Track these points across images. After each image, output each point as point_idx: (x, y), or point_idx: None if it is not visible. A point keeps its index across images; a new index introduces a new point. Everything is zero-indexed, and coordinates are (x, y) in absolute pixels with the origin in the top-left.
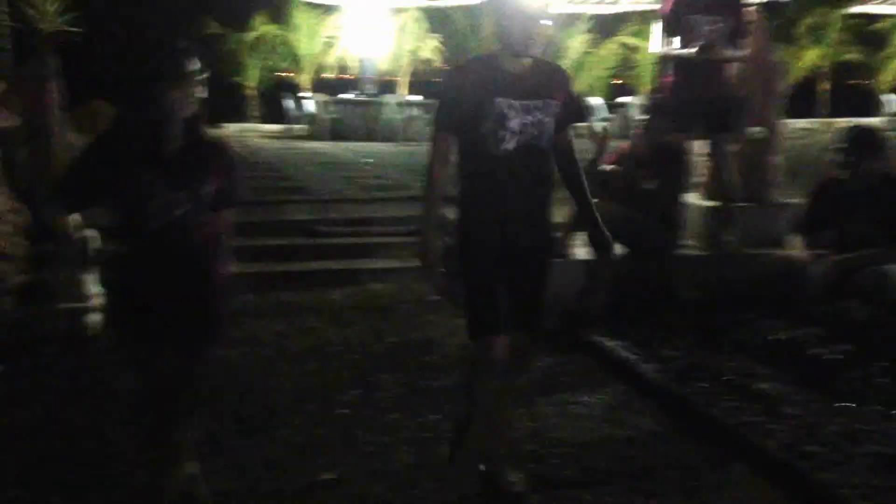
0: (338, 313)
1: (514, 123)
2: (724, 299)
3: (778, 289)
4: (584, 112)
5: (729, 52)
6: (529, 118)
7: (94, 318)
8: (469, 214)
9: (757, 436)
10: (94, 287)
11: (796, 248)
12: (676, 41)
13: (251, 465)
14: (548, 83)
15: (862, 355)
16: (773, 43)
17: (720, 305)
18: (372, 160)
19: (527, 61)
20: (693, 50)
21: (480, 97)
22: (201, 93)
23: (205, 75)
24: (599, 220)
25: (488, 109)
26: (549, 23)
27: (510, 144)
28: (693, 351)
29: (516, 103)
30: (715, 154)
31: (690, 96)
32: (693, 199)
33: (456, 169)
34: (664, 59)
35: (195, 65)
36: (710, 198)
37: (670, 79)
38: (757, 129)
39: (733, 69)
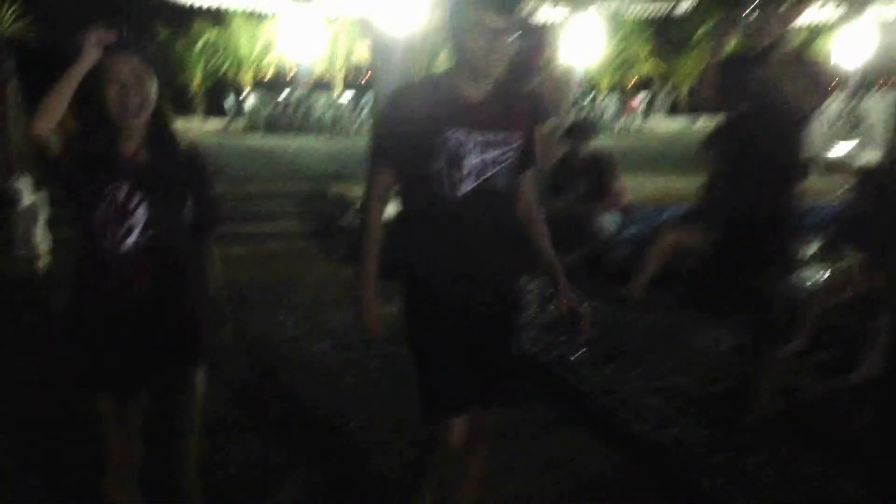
0: (238, 262)
1: (472, 161)
2: None
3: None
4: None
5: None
6: (490, 155)
7: (42, 263)
8: (418, 272)
9: None
10: (42, 239)
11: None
12: None
13: None
14: (511, 113)
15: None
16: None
17: None
18: (292, 150)
19: (488, 85)
20: None
21: (430, 128)
22: (153, 95)
23: (154, 77)
24: (565, 281)
25: (440, 143)
26: (517, 38)
27: (466, 187)
28: None
29: (474, 137)
30: None
31: None
32: None
33: (400, 215)
34: None
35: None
36: None
37: None
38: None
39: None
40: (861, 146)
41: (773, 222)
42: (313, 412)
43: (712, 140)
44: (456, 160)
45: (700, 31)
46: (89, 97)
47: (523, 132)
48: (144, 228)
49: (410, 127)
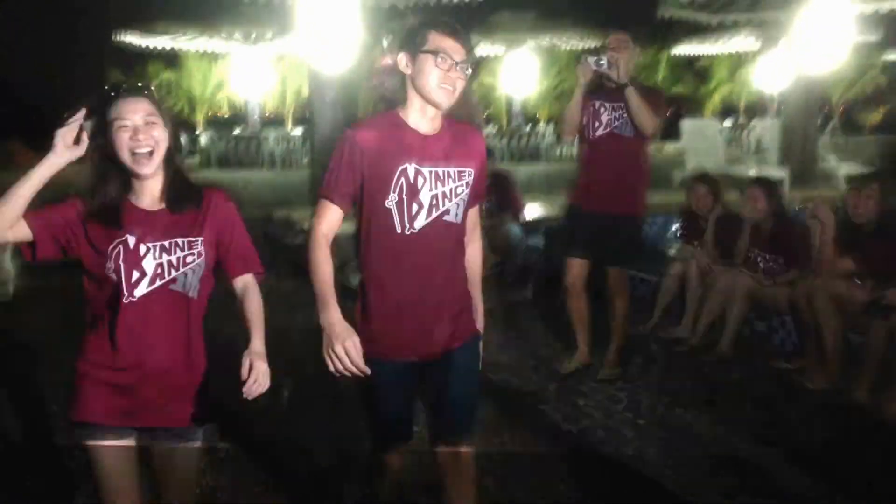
0: None
1: (426, 196)
2: None
3: None
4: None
5: None
6: (443, 189)
7: (8, 288)
8: (371, 308)
9: None
10: (9, 265)
11: None
12: None
13: None
14: (463, 147)
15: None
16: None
17: None
18: (243, 182)
19: (439, 120)
20: None
21: (384, 162)
22: (165, 139)
23: (165, 115)
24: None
25: (393, 178)
26: (469, 70)
27: (420, 221)
28: None
29: (427, 170)
30: None
31: None
32: None
33: (355, 250)
34: None
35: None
36: None
37: None
38: None
39: None
40: (757, 164)
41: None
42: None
43: None
44: (411, 194)
45: None
46: (99, 148)
47: (476, 165)
48: (153, 279)
49: (364, 161)
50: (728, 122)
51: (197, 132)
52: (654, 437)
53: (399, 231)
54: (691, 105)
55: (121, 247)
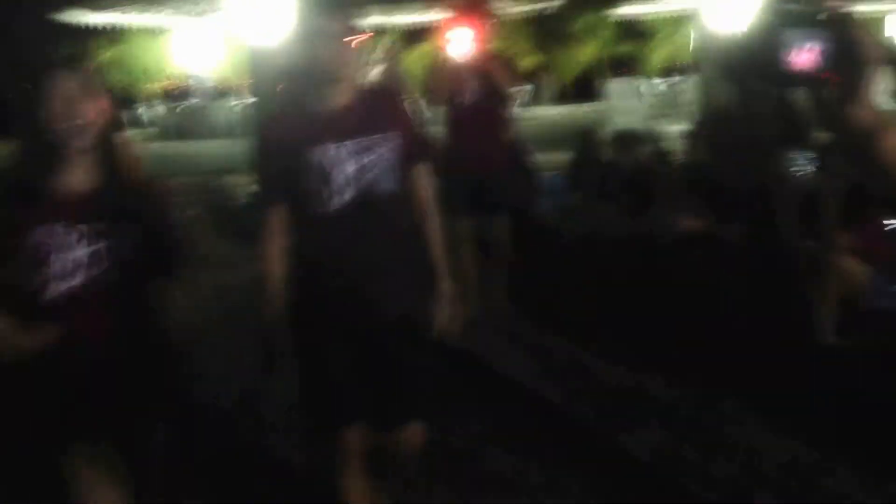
0: None
1: (344, 172)
2: None
3: None
4: (428, 148)
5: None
6: (364, 160)
7: None
8: (303, 288)
9: None
10: None
11: None
12: None
13: None
14: (378, 114)
15: None
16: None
17: None
18: (191, 151)
19: (346, 92)
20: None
21: (296, 148)
22: (99, 114)
23: (102, 97)
24: (447, 292)
25: (307, 161)
26: (358, 36)
27: (344, 197)
28: None
29: (342, 146)
30: None
31: None
32: None
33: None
34: None
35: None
36: None
37: None
38: None
39: None
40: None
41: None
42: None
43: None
44: (325, 175)
45: (575, 25)
46: (27, 121)
47: (398, 129)
48: (87, 269)
49: (280, 152)
50: (660, 81)
51: (138, 107)
52: None
53: (319, 213)
54: (636, 66)
55: (43, 234)
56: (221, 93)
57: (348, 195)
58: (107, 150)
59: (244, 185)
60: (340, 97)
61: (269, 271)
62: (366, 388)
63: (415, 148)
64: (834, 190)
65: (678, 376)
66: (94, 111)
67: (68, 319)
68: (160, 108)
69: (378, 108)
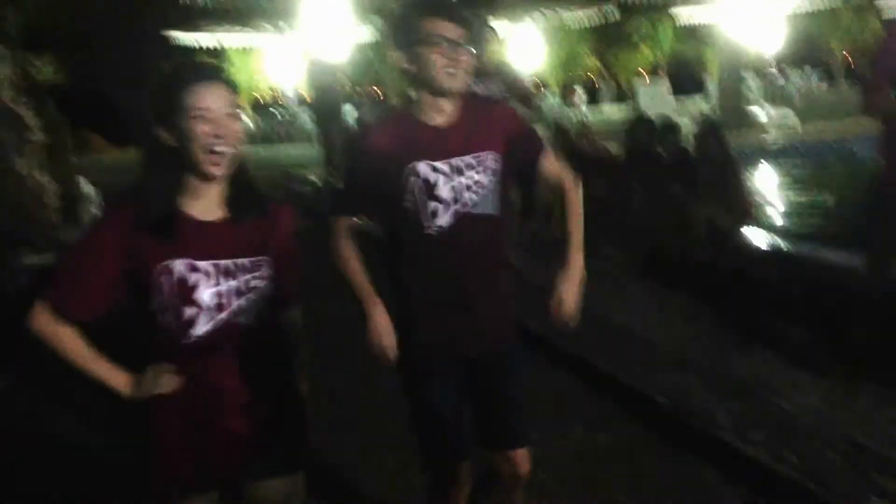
0: None
1: (446, 191)
2: None
3: None
4: (543, 141)
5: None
6: (463, 180)
7: None
8: (403, 315)
9: None
10: None
11: None
12: None
13: None
14: (483, 129)
15: None
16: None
17: None
18: (276, 153)
19: (451, 106)
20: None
21: (395, 164)
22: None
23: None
24: (575, 271)
25: (407, 178)
26: (473, 50)
27: (444, 219)
28: None
29: (442, 165)
30: None
31: None
32: None
33: (383, 256)
34: None
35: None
36: None
37: None
38: None
39: None
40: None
41: None
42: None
43: None
44: (427, 193)
45: (630, 31)
46: (153, 138)
47: (500, 148)
48: (223, 307)
49: (376, 166)
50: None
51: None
52: None
53: (421, 233)
54: (697, 68)
55: (169, 273)
56: (302, 103)
57: (446, 217)
58: (240, 176)
59: (317, 176)
60: (446, 112)
61: (353, 276)
62: (475, 417)
63: (534, 145)
64: None
65: None
66: (240, 131)
67: (201, 362)
68: (248, 118)
69: (482, 122)
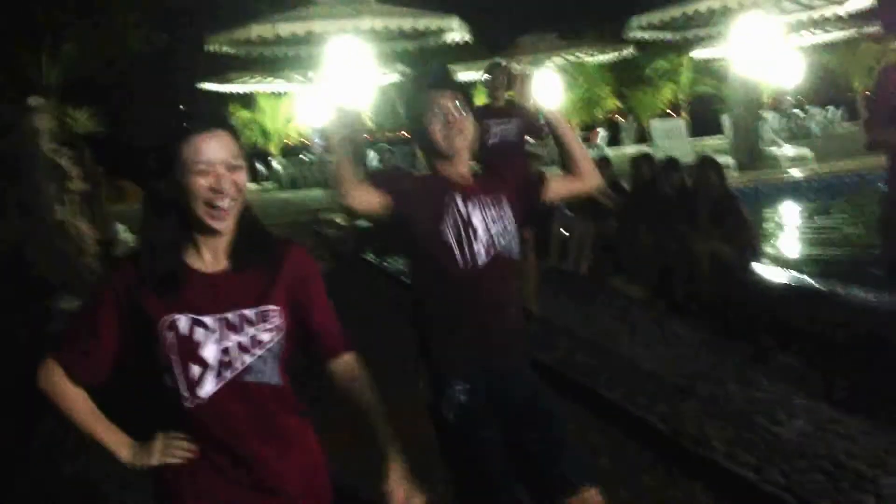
0: None
1: (482, 231)
2: None
3: None
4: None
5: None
6: (497, 223)
7: None
8: (442, 363)
9: None
10: None
11: None
12: None
13: None
14: (499, 182)
15: None
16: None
17: None
18: (304, 198)
19: (465, 164)
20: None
21: (436, 201)
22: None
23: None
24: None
25: (447, 211)
26: (470, 113)
27: (481, 258)
28: None
29: (475, 207)
30: None
31: None
32: None
33: (414, 298)
34: None
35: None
36: None
37: None
38: None
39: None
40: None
41: None
42: None
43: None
44: (466, 229)
45: (648, 70)
46: (160, 192)
47: (514, 191)
48: (224, 370)
49: (417, 188)
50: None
51: (271, 161)
52: None
53: (460, 270)
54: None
55: (172, 329)
56: (328, 149)
57: (484, 257)
58: (245, 222)
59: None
60: (462, 170)
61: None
62: (527, 464)
63: (534, 184)
64: None
65: None
66: (243, 182)
67: (210, 429)
68: (277, 163)
69: (497, 178)
